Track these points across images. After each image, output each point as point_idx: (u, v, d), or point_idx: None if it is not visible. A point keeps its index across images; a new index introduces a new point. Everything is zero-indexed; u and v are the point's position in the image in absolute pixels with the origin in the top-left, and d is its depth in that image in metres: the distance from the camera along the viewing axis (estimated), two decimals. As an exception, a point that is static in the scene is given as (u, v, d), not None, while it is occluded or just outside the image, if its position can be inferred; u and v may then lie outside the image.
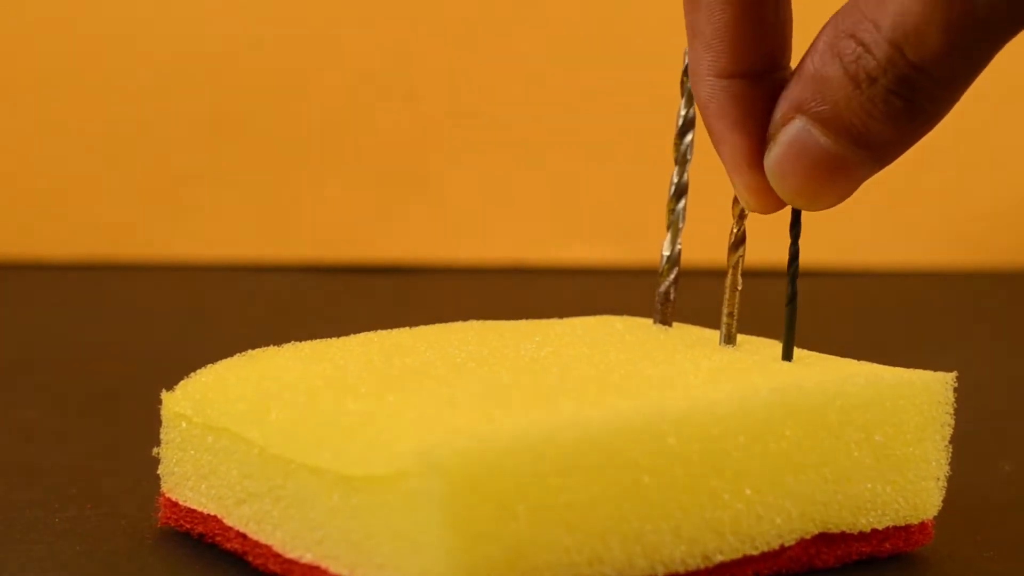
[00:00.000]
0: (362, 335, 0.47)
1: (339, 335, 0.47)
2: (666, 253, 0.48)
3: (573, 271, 1.03)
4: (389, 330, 0.48)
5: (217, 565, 0.43)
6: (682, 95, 0.48)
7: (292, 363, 0.44)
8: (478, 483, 0.37)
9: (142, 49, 1.02)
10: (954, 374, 0.45)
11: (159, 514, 0.46)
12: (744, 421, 0.41)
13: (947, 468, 0.45)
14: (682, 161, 0.48)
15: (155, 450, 0.46)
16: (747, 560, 0.42)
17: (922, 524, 0.45)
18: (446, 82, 1.04)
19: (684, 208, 0.48)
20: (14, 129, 1.02)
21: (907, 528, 0.45)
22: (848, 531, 0.43)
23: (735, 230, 0.46)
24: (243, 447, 0.42)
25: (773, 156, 0.41)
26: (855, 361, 0.46)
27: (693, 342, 0.47)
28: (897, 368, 0.45)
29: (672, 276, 0.48)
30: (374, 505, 0.38)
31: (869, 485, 0.43)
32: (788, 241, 0.45)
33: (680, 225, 0.48)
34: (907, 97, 0.39)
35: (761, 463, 0.41)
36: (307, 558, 0.41)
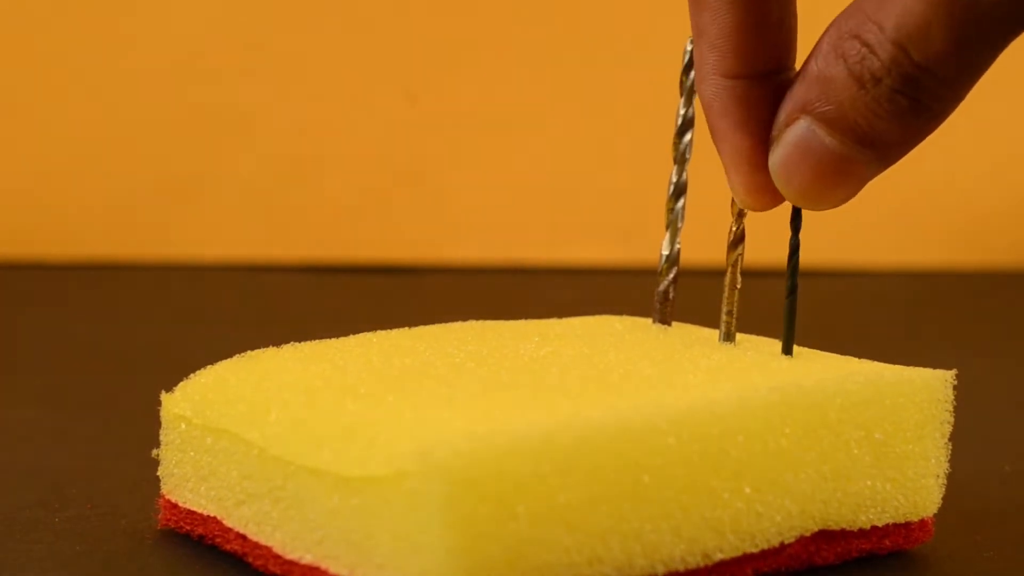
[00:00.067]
0: (361, 335, 0.47)
1: (339, 335, 0.47)
2: (665, 252, 0.48)
3: (572, 271, 1.03)
4: (388, 330, 0.48)
5: (217, 566, 0.43)
6: (681, 94, 0.48)
7: (292, 364, 0.44)
8: (478, 483, 0.37)
9: (142, 49, 1.02)
10: (953, 372, 0.45)
11: (159, 516, 0.46)
12: (744, 420, 0.41)
13: (947, 466, 0.45)
14: (681, 160, 0.48)
15: (155, 452, 0.46)
16: (747, 558, 0.42)
17: (922, 521, 0.45)
18: (446, 82, 1.04)
19: (683, 207, 0.48)
20: (14, 129, 1.02)
21: (907, 525, 0.45)
22: (848, 528, 0.43)
23: (734, 228, 0.46)
24: (243, 448, 0.42)
25: (778, 156, 0.41)
26: (855, 359, 0.46)
27: (692, 341, 0.47)
28: (897, 366, 0.45)
29: (671, 275, 0.48)
30: (374, 506, 0.38)
31: (869, 482, 0.43)
32: (788, 239, 0.45)
33: (679, 224, 0.48)
34: (912, 96, 0.39)
35: (761, 461, 0.41)
36: (307, 559, 0.41)
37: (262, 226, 1.03)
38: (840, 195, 0.41)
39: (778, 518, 0.42)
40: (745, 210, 0.45)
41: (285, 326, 0.83)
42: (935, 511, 0.45)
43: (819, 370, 0.44)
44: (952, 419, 0.45)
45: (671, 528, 0.40)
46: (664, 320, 0.49)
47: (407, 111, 1.04)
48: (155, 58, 1.02)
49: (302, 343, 0.46)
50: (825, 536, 0.43)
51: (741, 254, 0.47)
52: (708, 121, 0.43)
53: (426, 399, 0.40)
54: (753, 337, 0.48)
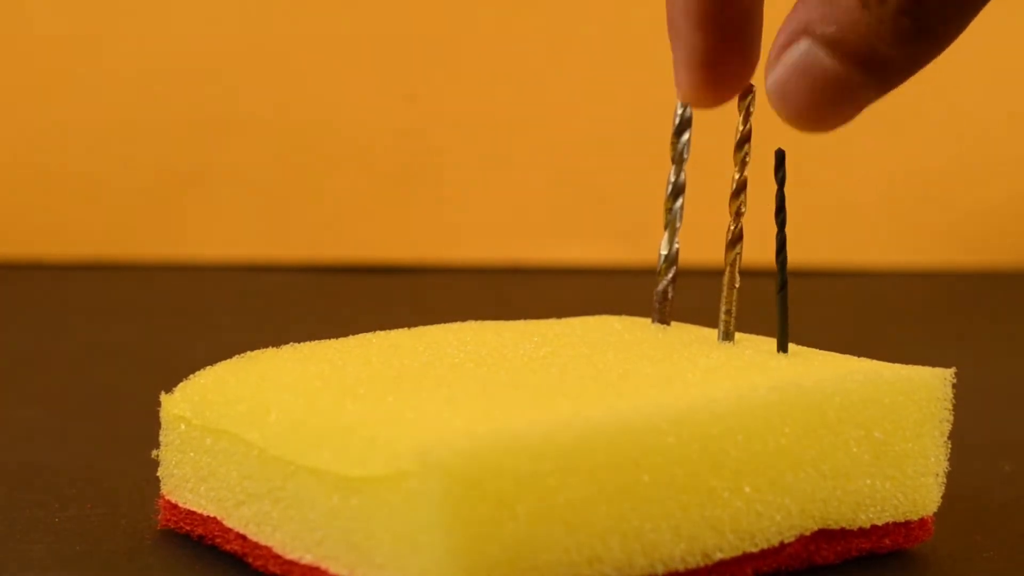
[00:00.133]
0: (361, 336, 0.47)
1: (338, 335, 0.47)
2: (664, 252, 0.48)
3: (571, 271, 1.03)
4: (388, 331, 0.48)
5: (217, 566, 0.43)
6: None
7: (291, 364, 0.44)
8: (477, 483, 0.37)
9: (142, 49, 1.02)
10: (952, 370, 0.45)
11: (159, 516, 0.46)
12: (743, 419, 0.41)
13: (946, 464, 0.45)
14: (679, 160, 0.48)
15: (154, 452, 0.46)
16: (747, 557, 0.42)
17: (922, 520, 0.45)
18: (446, 82, 1.04)
19: (681, 207, 0.48)
20: (14, 129, 1.02)
21: (907, 524, 0.45)
22: (848, 527, 0.44)
23: (732, 228, 0.46)
24: (242, 449, 0.42)
25: (775, 76, 0.40)
26: (854, 358, 0.46)
27: (691, 341, 0.47)
28: (896, 364, 0.45)
29: (670, 275, 0.48)
30: (374, 506, 0.38)
31: (868, 481, 0.43)
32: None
33: (677, 224, 0.48)
34: (916, 17, 0.38)
35: (760, 460, 0.41)
36: (307, 559, 0.41)
37: (262, 226, 1.03)
38: (837, 118, 0.41)
39: (778, 517, 0.42)
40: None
41: (285, 326, 0.83)
42: (935, 510, 0.45)
43: (818, 369, 0.44)
44: (951, 418, 0.45)
45: (671, 527, 0.40)
46: (663, 320, 0.49)
47: (407, 111, 1.04)
48: (155, 58, 1.02)
49: (302, 343, 0.46)
50: (825, 535, 0.43)
51: (739, 253, 0.47)
52: (668, 14, 0.42)
53: (426, 399, 0.40)
54: (752, 336, 0.48)
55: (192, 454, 0.44)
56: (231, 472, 0.43)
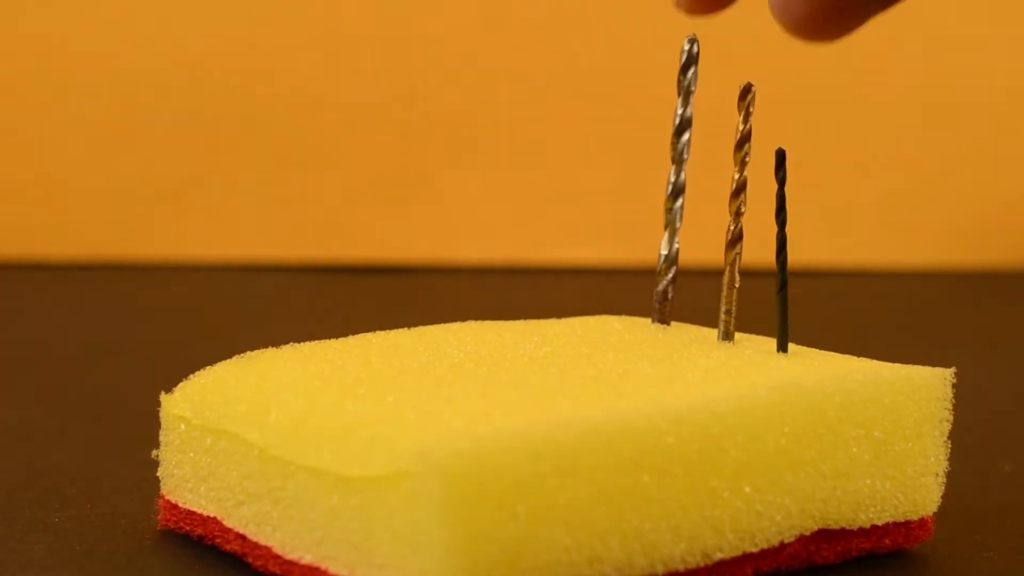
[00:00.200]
0: (361, 336, 0.47)
1: (338, 335, 0.47)
2: (664, 252, 0.48)
3: (571, 271, 1.03)
4: (388, 331, 0.48)
5: (217, 566, 0.43)
6: (679, 94, 0.48)
7: (291, 364, 0.44)
8: (477, 483, 0.37)
9: (142, 49, 1.02)
10: (952, 370, 0.45)
11: (159, 516, 0.46)
12: (743, 419, 0.41)
13: (946, 464, 0.45)
14: (679, 160, 0.48)
15: (154, 452, 0.46)
16: (747, 557, 0.42)
17: (922, 520, 0.45)
18: (446, 82, 1.04)
19: (681, 207, 0.48)
20: (14, 129, 1.02)
21: (907, 524, 0.45)
22: (848, 527, 0.44)
23: (732, 227, 0.46)
24: (242, 449, 0.42)
25: None
26: (853, 358, 0.46)
27: (691, 341, 0.47)
28: (895, 364, 0.45)
29: (670, 275, 0.48)
30: (373, 506, 0.38)
31: (868, 481, 0.43)
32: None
33: (677, 224, 0.48)
34: None
35: (760, 460, 0.41)
36: (307, 559, 0.41)
37: (262, 226, 1.03)
38: (839, 30, 0.40)
39: (778, 517, 0.42)
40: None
41: (285, 326, 0.83)
42: (935, 510, 0.45)
43: (818, 369, 0.44)
44: (951, 417, 0.45)
45: (671, 527, 0.40)
46: (663, 320, 0.49)
47: (407, 111, 1.04)
48: (155, 58, 1.02)
49: (302, 343, 0.46)
50: (825, 535, 0.43)
51: (739, 253, 0.47)
52: None
53: (426, 399, 0.40)
54: (752, 336, 0.48)
55: (192, 454, 0.44)
56: (231, 472, 0.43)
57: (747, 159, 0.47)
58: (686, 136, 0.48)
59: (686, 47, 0.47)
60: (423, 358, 0.44)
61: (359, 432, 0.39)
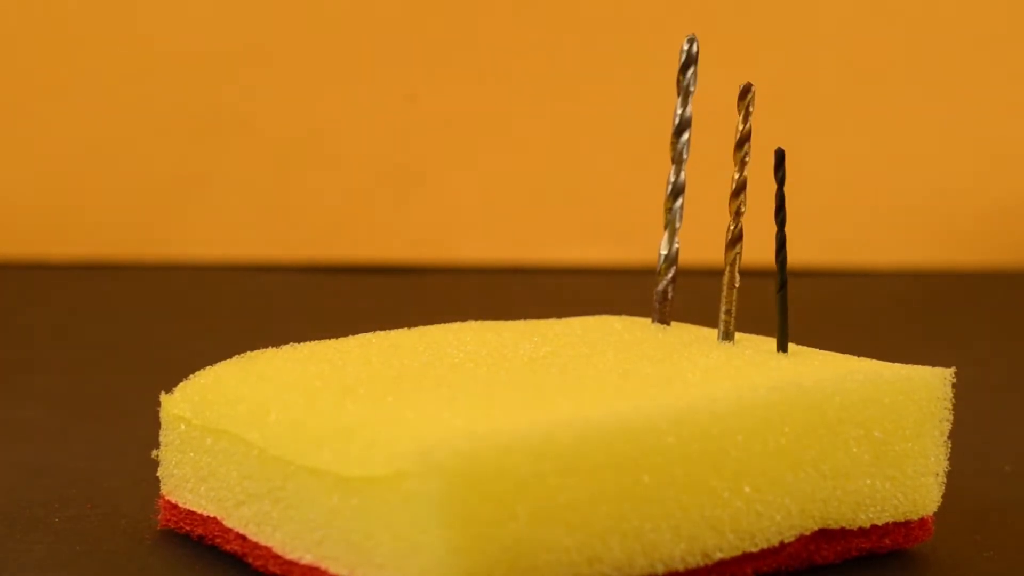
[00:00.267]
0: (361, 336, 0.47)
1: (339, 335, 0.47)
2: (664, 252, 0.48)
3: (571, 271, 1.03)
4: (388, 331, 0.48)
5: (217, 566, 0.43)
6: (679, 94, 0.48)
7: (291, 364, 0.44)
8: (477, 483, 0.37)
9: (142, 49, 1.02)
10: (952, 370, 0.45)
11: (159, 516, 0.46)
12: (743, 419, 0.41)
13: (946, 464, 0.45)
14: (679, 160, 0.48)
15: (154, 452, 0.46)
16: (747, 557, 0.42)
17: (922, 520, 0.45)
18: (446, 82, 1.04)
19: (681, 207, 0.48)
20: (15, 129, 1.02)
21: (907, 524, 0.45)
22: (848, 527, 0.44)
23: (732, 227, 0.46)
24: (242, 449, 0.42)
25: None
26: (853, 357, 0.46)
27: (691, 341, 0.47)
28: (895, 364, 0.45)
29: (670, 275, 0.48)
30: (374, 506, 0.38)
31: (868, 481, 0.43)
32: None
33: (677, 224, 0.48)
34: None
35: (760, 460, 0.41)
36: (307, 559, 0.41)
37: (262, 226, 1.03)
38: None
39: (778, 517, 0.42)
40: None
41: (285, 326, 0.83)
42: (935, 510, 0.45)
43: (818, 369, 0.44)
44: (951, 417, 0.45)
45: (671, 527, 0.40)
46: (663, 319, 0.49)
47: (407, 111, 1.04)
48: (155, 58, 1.02)
49: (302, 343, 0.46)
50: (825, 535, 0.43)
51: (739, 253, 0.47)
52: None
53: (426, 399, 0.40)
54: (752, 336, 0.48)
55: (192, 454, 0.44)
56: (231, 472, 0.43)
57: (747, 159, 0.47)
58: (686, 136, 0.48)
59: (685, 47, 0.47)
60: (423, 358, 0.44)
61: (359, 432, 0.39)
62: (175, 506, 0.45)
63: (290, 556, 0.41)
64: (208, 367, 0.45)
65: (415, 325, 0.49)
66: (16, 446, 0.57)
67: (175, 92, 1.03)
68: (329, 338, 0.47)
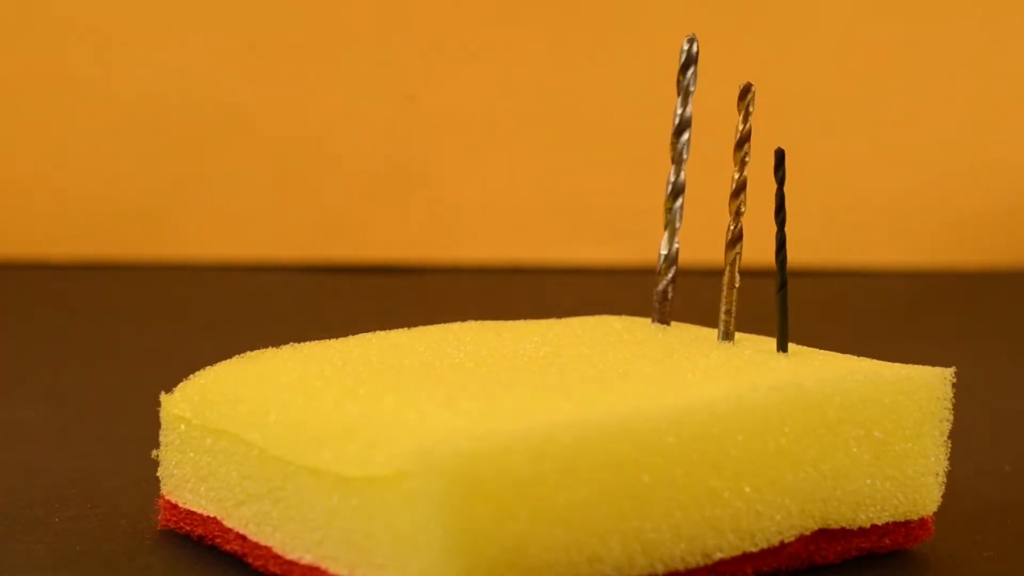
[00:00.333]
0: (361, 336, 0.47)
1: (339, 335, 0.47)
2: (664, 252, 0.48)
3: (571, 271, 1.03)
4: (388, 331, 0.48)
5: (217, 566, 0.43)
6: (679, 94, 0.48)
7: (291, 364, 0.44)
8: (477, 483, 0.37)
9: (142, 50, 1.02)
10: (952, 370, 0.45)
11: (159, 516, 0.46)
12: (743, 419, 0.41)
13: (946, 464, 0.45)
14: (679, 160, 0.48)
15: (154, 452, 0.46)
16: (747, 557, 0.42)
17: (922, 520, 0.45)
18: (446, 82, 1.04)
19: (681, 207, 0.48)
20: (15, 129, 1.02)
21: (907, 524, 0.45)
22: (848, 527, 0.44)
23: (732, 227, 0.46)
24: (242, 449, 0.42)
25: None
26: (853, 357, 0.46)
27: (691, 340, 0.47)
28: (895, 364, 0.45)
29: (670, 275, 0.48)
30: (374, 506, 0.38)
31: (868, 481, 0.43)
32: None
33: (677, 224, 0.48)
34: None
35: (760, 460, 0.41)
36: (307, 559, 0.41)
37: (262, 226, 1.03)
38: None
39: (778, 517, 0.42)
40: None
41: (285, 326, 0.83)
42: (935, 509, 0.45)
43: (818, 369, 0.44)
44: (951, 417, 0.45)
45: (671, 527, 0.40)
46: (663, 319, 0.49)
47: (407, 111, 1.04)
48: (155, 58, 1.02)
49: (302, 343, 0.46)
50: (825, 535, 0.43)
51: (739, 253, 0.47)
52: None
53: (426, 399, 0.40)
54: (752, 336, 0.48)
55: (192, 454, 0.44)
56: (231, 472, 0.43)
57: (747, 159, 0.47)
58: (686, 136, 0.48)
59: (685, 47, 0.47)
60: (423, 358, 0.44)
61: (359, 432, 0.39)
62: (175, 506, 0.45)
63: (290, 556, 0.41)
64: (208, 367, 0.45)
65: (415, 325, 0.49)
66: (16, 446, 0.57)
67: (175, 92, 1.03)
68: (329, 338, 0.47)
